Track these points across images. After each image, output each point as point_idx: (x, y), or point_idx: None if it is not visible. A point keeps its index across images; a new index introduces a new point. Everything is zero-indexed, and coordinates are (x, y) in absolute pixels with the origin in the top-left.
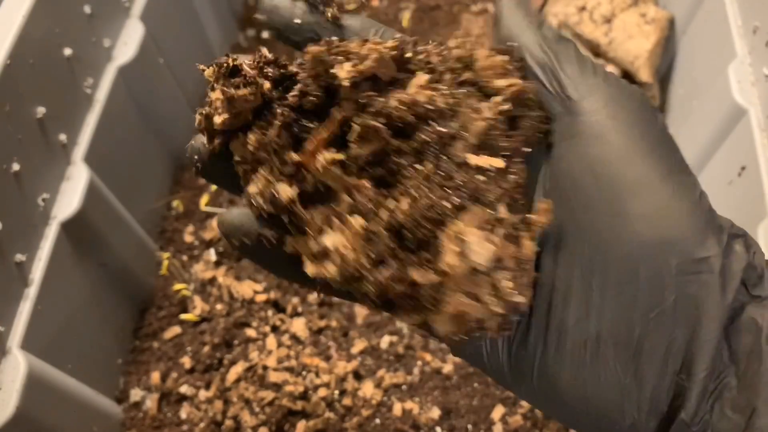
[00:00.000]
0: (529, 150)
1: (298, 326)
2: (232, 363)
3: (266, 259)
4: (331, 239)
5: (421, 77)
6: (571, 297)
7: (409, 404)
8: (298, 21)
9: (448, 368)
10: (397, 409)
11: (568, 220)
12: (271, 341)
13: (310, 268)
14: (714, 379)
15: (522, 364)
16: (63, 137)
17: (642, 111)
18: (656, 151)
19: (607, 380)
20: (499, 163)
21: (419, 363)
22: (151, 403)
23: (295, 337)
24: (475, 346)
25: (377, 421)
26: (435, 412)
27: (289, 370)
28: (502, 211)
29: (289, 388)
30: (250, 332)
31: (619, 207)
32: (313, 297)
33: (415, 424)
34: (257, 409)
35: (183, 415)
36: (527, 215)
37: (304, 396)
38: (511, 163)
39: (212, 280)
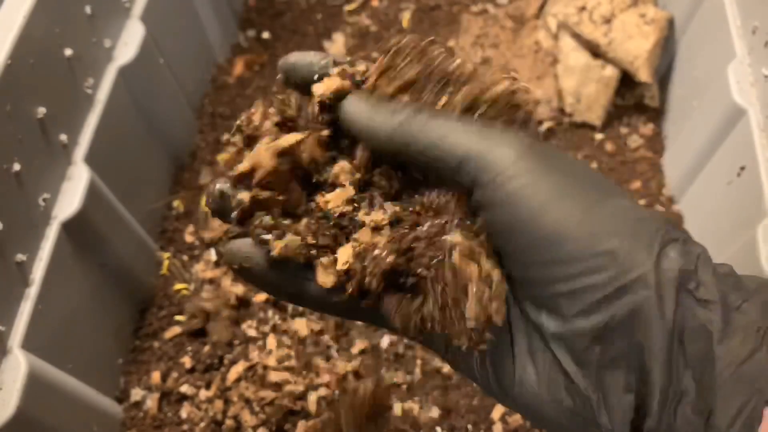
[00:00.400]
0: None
1: (299, 326)
2: (233, 363)
3: (265, 283)
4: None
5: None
6: (539, 328)
7: (409, 404)
8: (317, 76)
9: (447, 368)
10: (397, 408)
11: (518, 279)
12: (271, 341)
13: (322, 277)
14: (673, 385)
15: (505, 379)
16: (63, 137)
17: (546, 156)
18: (571, 190)
19: (578, 395)
20: None
21: (419, 363)
22: (151, 402)
23: (295, 337)
24: (467, 363)
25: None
26: (435, 412)
27: (290, 369)
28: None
29: (289, 387)
30: (251, 332)
31: (550, 256)
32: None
33: (415, 423)
34: (257, 409)
35: (183, 414)
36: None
37: (305, 396)
38: None
39: (213, 280)
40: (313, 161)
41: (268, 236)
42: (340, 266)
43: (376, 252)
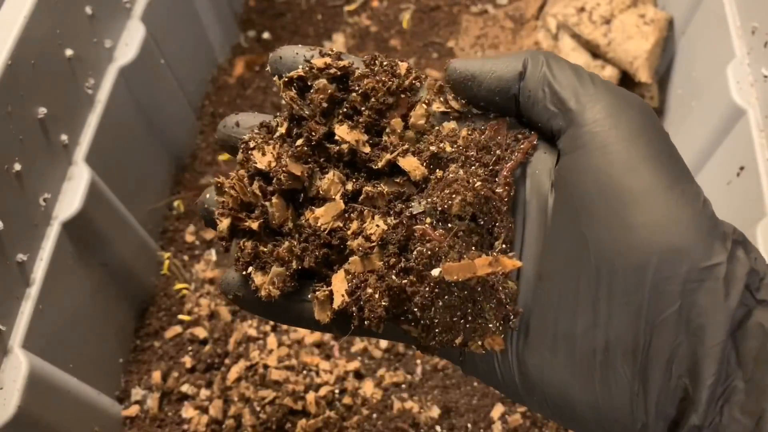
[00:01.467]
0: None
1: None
2: (233, 362)
3: (261, 309)
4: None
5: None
6: (577, 307)
7: (409, 403)
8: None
9: (448, 367)
10: (397, 408)
11: (575, 233)
12: (271, 340)
13: (320, 315)
14: (722, 383)
15: (532, 376)
16: (64, 137)
17: (644, 119)
18: (659, 160)
19: (616, 387)
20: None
21: (419, 362)
22: (152, 402)
23: (295, 337)
24: (487, 364)
25: (377, 420)
26: (435, 411)
27: (290, 369)
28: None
29: (289, 387)
30: (251, 331)
31: (624, 218)
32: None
33: (415, 423)
34: (258, 408)
35: (184, 414)
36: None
37: (305, 395)
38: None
39: (213, 280)
40: (293, 178)
41: (250, 269)
42: (336, 305)
43: (369, 292)
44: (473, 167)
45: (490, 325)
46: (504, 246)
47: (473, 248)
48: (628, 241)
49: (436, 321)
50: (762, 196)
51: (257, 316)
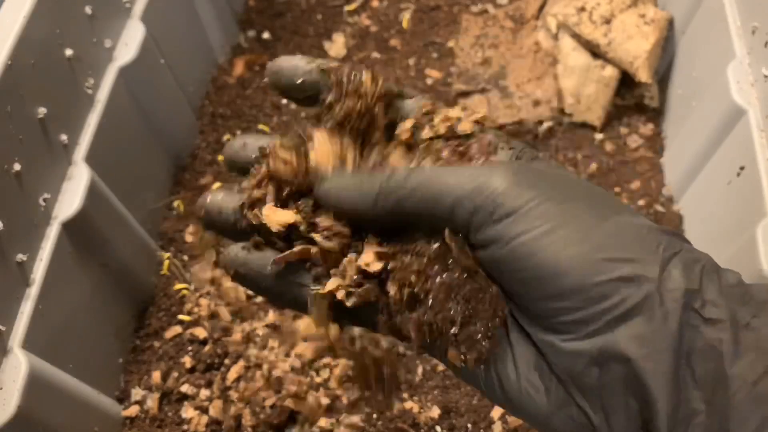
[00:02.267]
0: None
1: (299, 325)
2: (233, 362)
3: (264, 288)
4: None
5: None
6: (542, 348)
7: (409, 403)
8: (300, 80)
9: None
10: (397, 408)
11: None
12: (271, 341)
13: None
14: (683, 406)
15: (510, 391)
16: (64, 137)
17: (555, 187)
18: (574, 219)
19: (580, 418)
20: None
21: (419, 362)
22: (151, 402)
23: (295, 336)
24: (473, 371)
25: (377, 420)
26: (435, 411)
27: (290, 368)
28: None
29: (290, 387)
30: (251, 331)
31: (542, 293)
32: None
33: (415, 423)
34: (258, 409)
35: (184, 414)
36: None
37: (305, 395)
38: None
39: (213, 280)
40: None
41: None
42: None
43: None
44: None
45: (480, 339)
46: None
47: None
48: (549, 309)
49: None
50: (762, 196)
51: (258, 294)
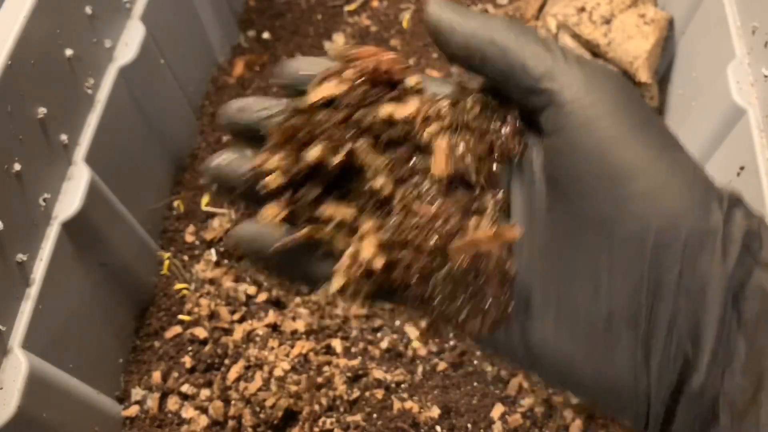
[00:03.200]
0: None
1: (299, 325)
2: (233, 362)
3: (275, 265)
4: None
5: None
6: (578, 280)
7: (409, 403)
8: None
9: (447, 367)
10: (397, 407)
11: (568, 208)
12: (272, 340)
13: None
14: (723, 346)
15: (536, 348)
16: (64, 137)
17: (622, 92)
18: (645, 131)
19: (620, 356)
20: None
21: (419, 362)
22: (152, 402)
23: (295, 336)
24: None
25: (377, 420)
26: (435, 411)
27: (291, 368)
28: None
29: (290, 386)
30: (251, 331)
31: (619, 191)
32: (314, 296)
33: (415, 422)
34: (258, 408)
35: (184, 414)
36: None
37: (305, 395)
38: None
39: (213, 280)
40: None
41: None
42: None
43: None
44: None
45: (491, 308)
46: (497, 215)
47: (470, 216)
48: (624, 212)
49: (437, 297)
50: (762, 196)
51: (268, 272)
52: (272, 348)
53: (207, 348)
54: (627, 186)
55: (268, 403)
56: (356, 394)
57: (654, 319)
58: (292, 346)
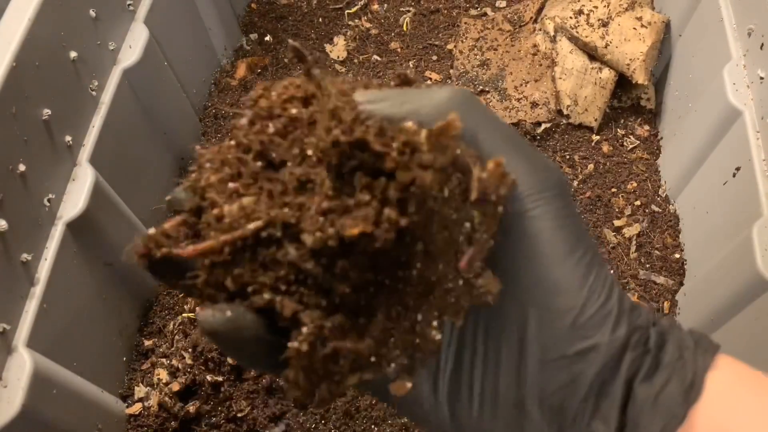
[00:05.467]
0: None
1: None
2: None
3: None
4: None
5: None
6: (501, 367)
7: None
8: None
9: None
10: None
11: (500, 304)
12: None
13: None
14: (620, 427)
15: (462, 421)
16: (68, 138)
17: (564, 208)
18: (575, 255)
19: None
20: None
21: None
22: (155, 400)
23: None
24: (421, 405)
25: (379, 412)
26: None
27: None
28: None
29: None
30: None
31: (543, 302)
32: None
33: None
34: (261, 404)
35: (188, 410)
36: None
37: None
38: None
39: None
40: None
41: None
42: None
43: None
44: None
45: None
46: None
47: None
48: (544, 324)
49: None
50: (758, 197)
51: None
52: None
53: (211, 345)
54: (552, 301)
55: (273, 396)
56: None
57: (566, 406)
58: None
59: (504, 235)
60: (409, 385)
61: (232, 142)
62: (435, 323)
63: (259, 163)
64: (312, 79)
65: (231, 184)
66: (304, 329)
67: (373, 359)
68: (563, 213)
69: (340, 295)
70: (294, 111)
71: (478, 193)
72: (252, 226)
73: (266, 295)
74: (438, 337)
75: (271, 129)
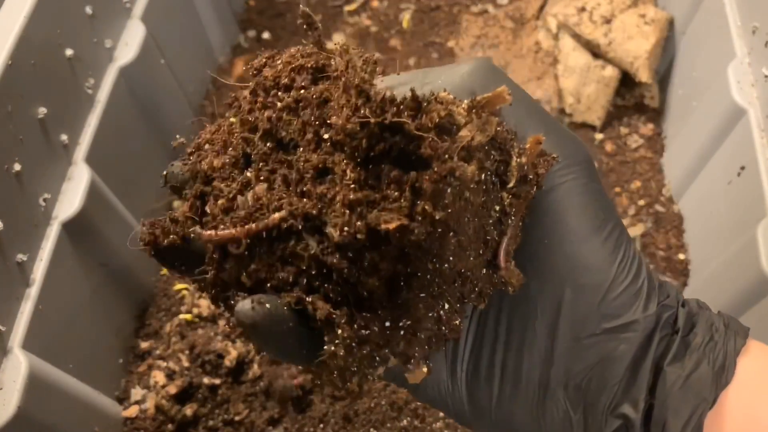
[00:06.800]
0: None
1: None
2: (232, 362)
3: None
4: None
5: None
6: (525, 348)
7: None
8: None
9: None
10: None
11: (526, 284)
12: None
13: None
14: (647, 408)
15: (481, 403)
16: (64, 137)
17: (588, 180)
18: (602, 232)
19: (558, 416)
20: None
21: None
22: (151, 402)
23: None
24: (438, 389)
25: (383, 402)
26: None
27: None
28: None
29: (293, 381)
30: None
31: (572, 280)
32: None
33: (417, 414)
34: (258, 407)
35: (185, 412)
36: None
37: (309, 391)
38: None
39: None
40: None
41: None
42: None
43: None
44: None
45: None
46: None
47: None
48: (574, 301)
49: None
50: (763, 196)
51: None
52: None
53: (207, 347)
54: (580, 278)
55: (272, 397)
56: None
57: (591, 386)
58: None
59: (531, 214)
60: (425, 370)
61: (233, 120)
62: (458, 307)
63: (269, 144)
64: (323, 48)
65: (237, 170)
66: (340, 332)
67: (402, 350)
68: (591, 188)
69: (369, 290)
70: (303, 84)
71: (518, 175)
72: (277, 216)
73: (295, 293)
74: (458, 322)
75: (278, 104)
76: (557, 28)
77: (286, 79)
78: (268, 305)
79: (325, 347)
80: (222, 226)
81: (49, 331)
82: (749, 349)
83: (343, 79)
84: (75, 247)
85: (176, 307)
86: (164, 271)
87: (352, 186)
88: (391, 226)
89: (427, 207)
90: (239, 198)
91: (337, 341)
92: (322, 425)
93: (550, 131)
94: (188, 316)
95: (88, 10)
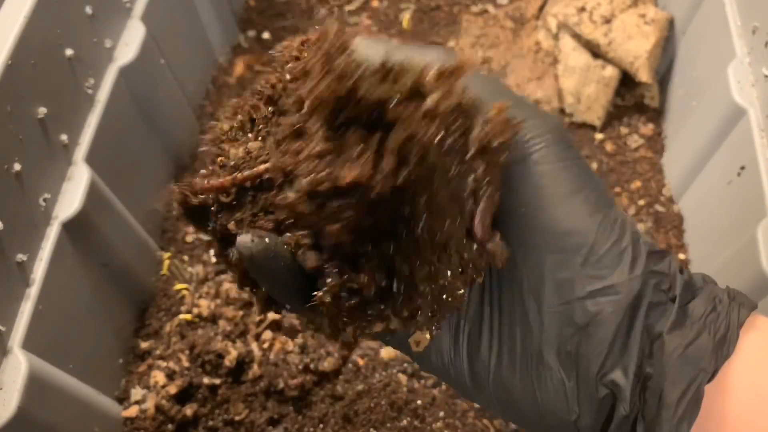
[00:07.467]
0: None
1: (297, 321)
2: (232, 362)
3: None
4: None
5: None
6: (516, 316)
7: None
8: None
9: None
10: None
11: (514, 253)
12: (271, 337)
13: None
14: (642, 373)
15: (481, 377)
16: (64, 137)
17: (563, 150)
18: (582, 194)
19: (554, 385)
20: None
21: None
22: (151, 402)
23: (295, 334)
24: (441, 357)
25: (383, 402)
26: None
27: (293, 364)
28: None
29: (293, 381)
30: (252, 329)
31: (553, 244)
32: None
33: (416, 413)
34: (259, 408)
35: (185, 413)
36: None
37: (308, 391)
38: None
39: (213, 280)
40: None
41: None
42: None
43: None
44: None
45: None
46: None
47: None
48: (558, 265)
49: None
50: (763, 196)
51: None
52: (273, 345)
53: (207, 347)
54: (562, 242)
55: (272, 398)
56: (356, 388)
57: (581, 352)
58: (293, 343)
59: (507, 185)
60: (428, 337)
61: (248, 92)
62: (460, 275)
63: (270, 108)
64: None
65: (242, 133)
66: (329, 280)
67: (403, 313)
68: (564, 155)
69: (363, 253)
70: (305, 55)
71: (481, 140)
72: (262, 167)
73: (295, 237)
74: (461, 291)
75: (287, 76)
76: (557, 28)
77: (296, 52)
78: (267, 240)
79: (315, 293)
80: (215, 177)
81: (49, 331)
82: (756, 324)
83: (316, 47)
84: (75, 247)
85: (176, 307)
86: (164, 271)
87: (321, 142)
88: (348, 178)
89: (387, 163)
90: (231, 151)
91: (324, 288)
92: (322, 425)
93: (518, 104)
94: (188, 316)
95: (88, 10)
